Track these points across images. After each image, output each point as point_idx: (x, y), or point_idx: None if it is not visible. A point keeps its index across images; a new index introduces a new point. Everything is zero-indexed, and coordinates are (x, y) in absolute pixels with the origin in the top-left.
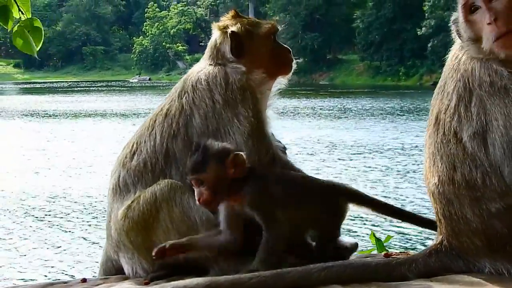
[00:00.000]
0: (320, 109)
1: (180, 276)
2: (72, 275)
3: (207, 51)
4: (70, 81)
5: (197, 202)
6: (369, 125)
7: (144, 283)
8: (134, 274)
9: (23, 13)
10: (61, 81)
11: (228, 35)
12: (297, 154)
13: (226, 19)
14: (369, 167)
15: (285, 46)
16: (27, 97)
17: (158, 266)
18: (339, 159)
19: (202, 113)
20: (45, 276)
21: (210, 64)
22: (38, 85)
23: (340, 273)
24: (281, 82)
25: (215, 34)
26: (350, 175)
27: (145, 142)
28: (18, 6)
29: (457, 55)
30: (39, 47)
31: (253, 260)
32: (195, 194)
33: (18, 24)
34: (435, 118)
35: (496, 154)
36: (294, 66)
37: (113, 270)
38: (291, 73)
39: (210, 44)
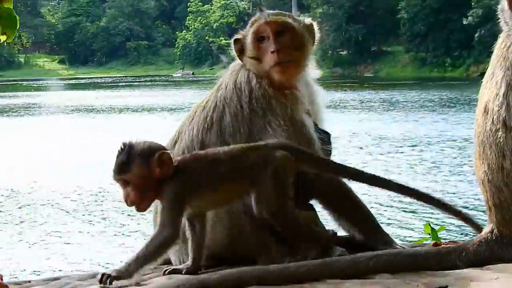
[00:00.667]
0: (367, 101)
1: (226, 266)
2: None
3: None
4: (114, 76)
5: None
6: (418, 117)
7: (192, 272)
8: (182, 263)
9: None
10: (105, 76)
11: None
12: (345, 147)
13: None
14: (418, 159)
15: (276, 43)
16: (72, 93)
17: (206, 257)
18: (388, 152)
19: (233, 113)
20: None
21: (240, 64)
22: (82, 81)
23: (389, 262)
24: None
25: None
26: (398, 168)
27: (185, 131)
28: None
29: (506, 43)
30: (12, 37)
31: (301, 249)
32: (122, 195)
33: None
34: (484, 108)
35: None
36: (279, 59)
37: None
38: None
39: None
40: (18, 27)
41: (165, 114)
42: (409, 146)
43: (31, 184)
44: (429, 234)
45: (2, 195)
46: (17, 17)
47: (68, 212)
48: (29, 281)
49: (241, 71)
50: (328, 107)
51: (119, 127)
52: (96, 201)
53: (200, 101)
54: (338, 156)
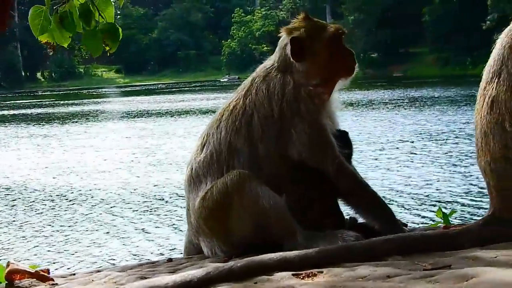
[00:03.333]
0: (398, 99)
1: (255, 253)
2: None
3: (276, 51)
4: (166, 83)
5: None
6: (456, 112)
7: (223, 260)
8: (213, 255)
9: (103, 17)
10: (158, 83)
11: (290, 39)
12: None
13: (296, 22)
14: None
15: (349, 49)
16: (129, 99)
17: (235, 246)
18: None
19: (262, 117)
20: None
21: (275, 68)
22: (137, 88)
23: (400, 244)
24: (343, 84)
25: (283, 36)
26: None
27: (212, 135)
28: (98, 11)
29: None
30: (114, 49)
31: (322, 237)
32: None
33: (94, 27)
34: (491, 100)
35: None
36: (356, 69)
37: (194, 251)
38: (353, 76)
39: (279, 45)
40: (120, 38)
41: (213, 115)
42: (445, 138)
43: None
44: (441, 218)
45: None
46: (120, 29)
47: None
48: (74, 274)
49: (276, 75)
50: (363, 105)
51: (178, 130)
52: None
53: (225, 104)
54: (374, 146)
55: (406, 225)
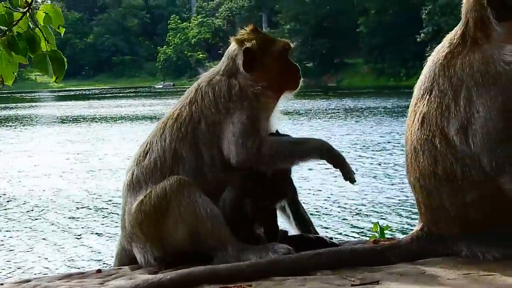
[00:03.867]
0: (331, 109)
1: (186, 265)
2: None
3: (223, 60)
4: (101, 88)
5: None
6: (390, 123)
7: (153, 272)
8: (146, 262)
9: (48, 43)
10: (92, 88)
11: (242, 50)
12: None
13: (244, 33)
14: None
15: (295, 64)
16: (63, 103)
17: (168, 252)
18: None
19: (210, 122)
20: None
21: (221, 74)
22: (72, 93)
23: (330, 259)
24: (287, 96)
25: (232, 46)
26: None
27: (156, 142)
28: (45, 38)
29: (450, 60)
30: (61, 78)
31: (253, 249)
32: None
33: (41, 51)
34: (422, 116)
35: (476, 144)
36: (301, 83)
37: (127, 259)
38: (297, 90)
39: (227, 54)
40: (66, 67)
41: (148, 121)
42: (376, 150)
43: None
44: (377, 232)
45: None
46: (65, 59)
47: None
48: (2, 284)
49: (221, 79)
50: (299, 114)
51: (106, 135)
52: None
53: (169, 112)
54: None
55: (331, 238)
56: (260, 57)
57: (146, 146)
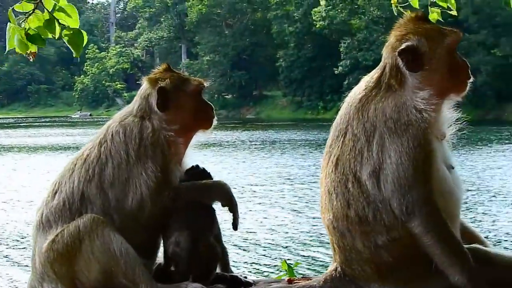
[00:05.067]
0: (249, 141)
1: None
2: None
3: (136, 100)
4: (16, 117)
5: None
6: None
7: None
8: None
9: (65, 25)
10: (7, 117)
11: (156, 90)
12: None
13: (157, 72)
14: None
15: (209, 103)
16: None
17: None
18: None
19: (116, 164)
20: None
21: (133, 115)
22: None
23: None
24: (202, 135)
25: (145, 86)
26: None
27: (65, 183)
28: (56, 20)
29: (365, 105)
30: (78, 54)
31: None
32: None
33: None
34: (336, 159)
35: (387, 189)
36: (215, 122)
37: None
38: (211, 129)
39: (139, 94)
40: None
41: (64, 152)
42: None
43: None
44: (286, 270)
45: None
46: (85, 34)
47: None
48: None
49: (133, 120)
50: (219, 146)
51: (18, 166)
52: None
53: (79, 152)
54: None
55: (246, 277)
56: (174, 97)
57: (55, 186)
